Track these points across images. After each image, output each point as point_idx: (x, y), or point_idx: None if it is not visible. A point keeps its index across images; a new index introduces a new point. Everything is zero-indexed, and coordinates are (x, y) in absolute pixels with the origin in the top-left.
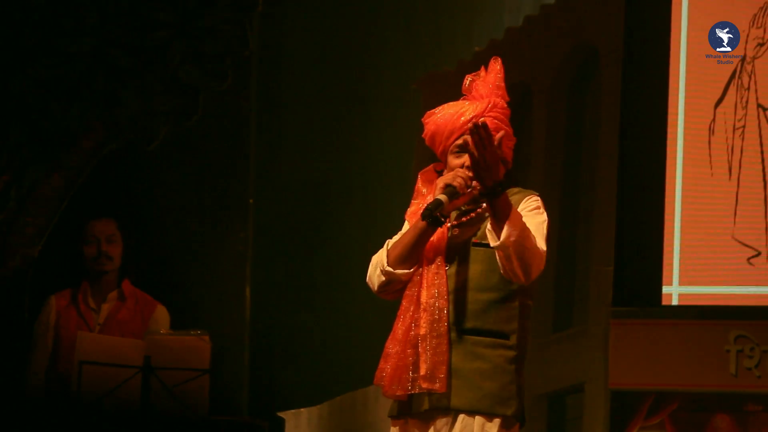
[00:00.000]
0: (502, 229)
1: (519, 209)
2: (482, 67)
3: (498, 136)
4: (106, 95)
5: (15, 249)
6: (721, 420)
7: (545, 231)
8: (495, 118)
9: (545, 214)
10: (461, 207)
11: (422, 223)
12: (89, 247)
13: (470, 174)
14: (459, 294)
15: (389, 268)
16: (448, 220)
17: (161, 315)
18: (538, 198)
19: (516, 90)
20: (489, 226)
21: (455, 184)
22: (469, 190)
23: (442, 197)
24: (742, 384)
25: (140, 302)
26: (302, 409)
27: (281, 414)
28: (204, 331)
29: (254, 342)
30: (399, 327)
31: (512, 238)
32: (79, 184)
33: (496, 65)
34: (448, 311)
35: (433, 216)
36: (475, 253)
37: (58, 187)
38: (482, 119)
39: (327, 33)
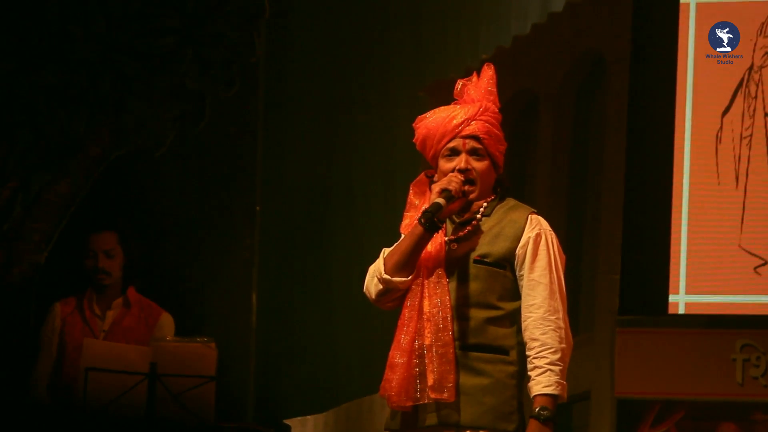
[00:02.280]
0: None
1: (522, 240)
2: (474, 73)
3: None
4: (113, 102)
5: (21, 255)
6: (728, 429)
7: (562, 285)
8: (486, 121)
9: (552, 244)
10: (455, 218)
11: (419, 229)
12: (89, 261)
13: (462, 178)
14: (459, 309)
15: (387, 276)
16: (444, 234)
17: (166, 322)
18: (541, 221)
19: (523, 97)
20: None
21: (450, 188)
22: (463, 195)
23: (441, 200)
24: (748, 393)
25: (145, 309)
26: (308, 417)
27: (287, 421)
28: (210, 338)
29: (260, 349)
30: (403, 337)
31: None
32: (85, 190)
33: (489, 71)
34: (452, 320)
35: (432, 220)
36: (476, 270)
37: (65, 193)
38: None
39: (334, 40)
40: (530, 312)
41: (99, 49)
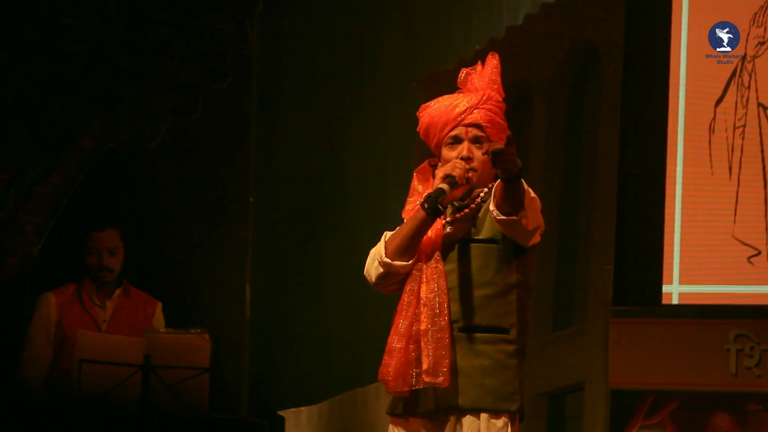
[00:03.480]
0: (519, 207)
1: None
2: (479, 62)
3: (505, 135)
4: (106, 94)
5: (15, 247)
6: (721, 419)
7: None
8: (489, 110)
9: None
10: (455, 203)
11: (421, 214)
12: (91, 258)
13: (467, 166)
14: (457, 291)
15: (387, 260)
16: (443, 216)
17: (160, 310)
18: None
19: (516, 88)
20: (494, 205)
21: (455, 174)
22: (466, 181)
23: (444, 186)
24: (742, 383)
25: (141, 300)
26: (302, 408)
27: (281, 412)
28: (204, 329)
29: (254, 340)
30: (401, 322)
31: (526, 216)
32: (78, 182)
33: (493, 60)
34: (448, 306)
35: (435, 205)
36: (471, 250)
37: (58, 185)
38: (480, 118)
39: (326, 32)
40: None
41: (92, 42)
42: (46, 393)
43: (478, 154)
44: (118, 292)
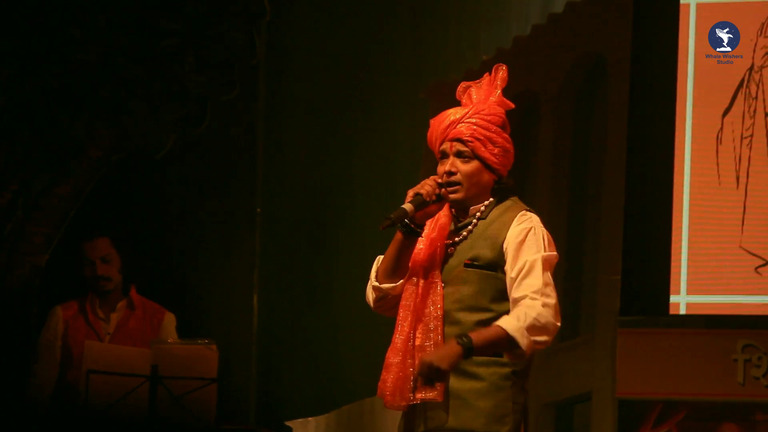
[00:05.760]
0: (509, 349)
1: (508, 236)
2: (485, 74)
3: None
4: (114, 104)
5: (22, 258)
6: (729, 429)
7: (544, 270)
8: (474, 124)
9: (541, 240)
10: (460, 221)
11: (399, 235)
12: (86, 269)
13: (439, 180)
14: (451, 314)
15: (376, 283)
16: (446, 238)
17: (170, 322)
18: (532, 217)
19: (523, 98)
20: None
21: (422, 192)
22: (438, 198)
23: (407, 206)
24: (749, 393)
25: (149, 310)
26: (309, 418)
27: (288, 423)
28: (211, 339)
29: (261, 351)
30: (398, 337)
31: (529, 345)
32: (86, 193)
33: (495, 73)
34: (442, 326)
35: (395, 225)
36: (467, 274)
37: (66, 196)
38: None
39: (334, 42)
40: (525, 290)
41: (99, 52)
42: (53, 406)
43: (463, 168)
44: (121, 304)
